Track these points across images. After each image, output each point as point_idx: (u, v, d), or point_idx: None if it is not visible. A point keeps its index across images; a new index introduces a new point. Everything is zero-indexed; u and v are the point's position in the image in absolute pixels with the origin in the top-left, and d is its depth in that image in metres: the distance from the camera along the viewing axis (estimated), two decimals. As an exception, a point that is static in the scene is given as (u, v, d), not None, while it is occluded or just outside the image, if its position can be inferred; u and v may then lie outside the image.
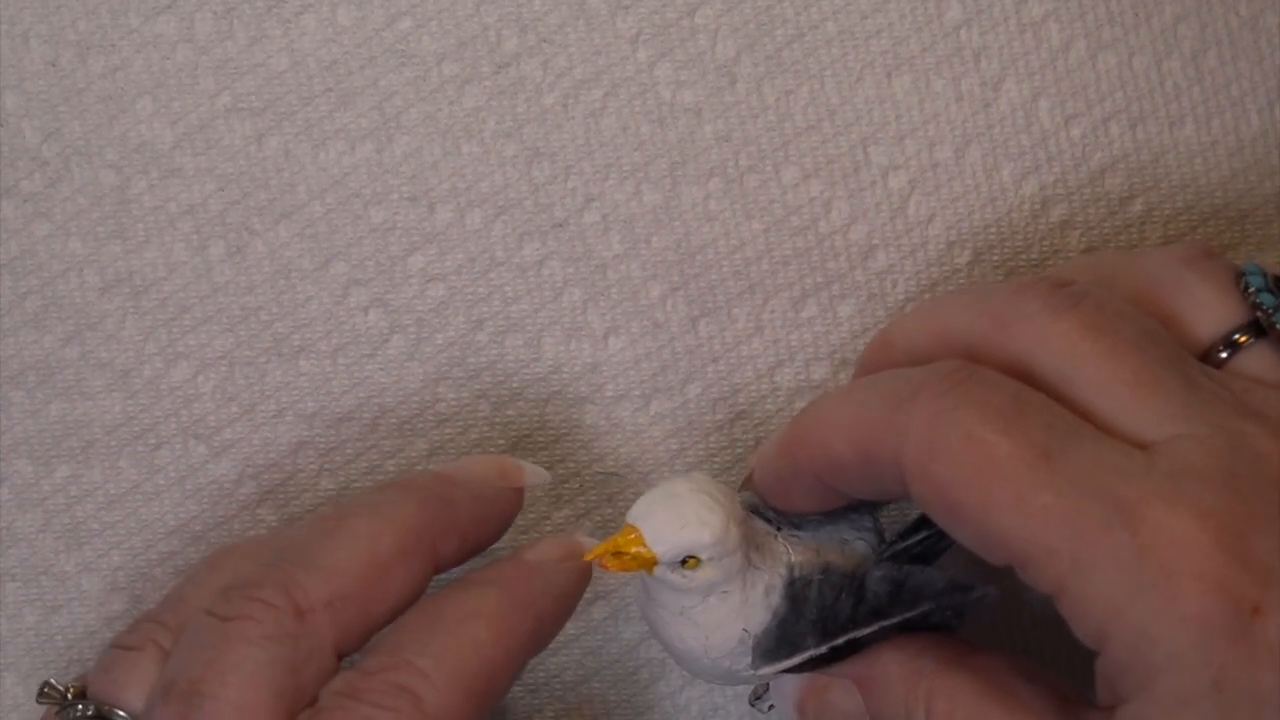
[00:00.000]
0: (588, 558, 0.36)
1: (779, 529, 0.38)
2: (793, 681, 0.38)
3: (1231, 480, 0.31)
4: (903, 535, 0.38)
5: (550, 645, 0.42)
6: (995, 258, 0.43)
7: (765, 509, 0.38)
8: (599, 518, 0.43)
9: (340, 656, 0.35)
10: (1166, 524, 0.31)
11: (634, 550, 0.36)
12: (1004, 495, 0.32)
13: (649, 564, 0.36)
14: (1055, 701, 0.34)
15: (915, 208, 0.43)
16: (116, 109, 0.42)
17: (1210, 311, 0.36)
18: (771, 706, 0.41)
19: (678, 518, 0.36)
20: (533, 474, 0.39)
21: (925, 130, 0.42)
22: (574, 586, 0.38)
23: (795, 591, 0.37)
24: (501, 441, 0.42)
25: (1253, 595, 0.30)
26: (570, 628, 0.43)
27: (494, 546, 0.39)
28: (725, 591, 0.37)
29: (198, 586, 0.37)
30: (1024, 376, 0.34)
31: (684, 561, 0.36)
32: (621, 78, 0.42)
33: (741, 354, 0.42)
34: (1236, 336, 0.35)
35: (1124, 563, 0.31)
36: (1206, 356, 0.35)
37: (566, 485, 0.43)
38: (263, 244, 0.42)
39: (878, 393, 0.34)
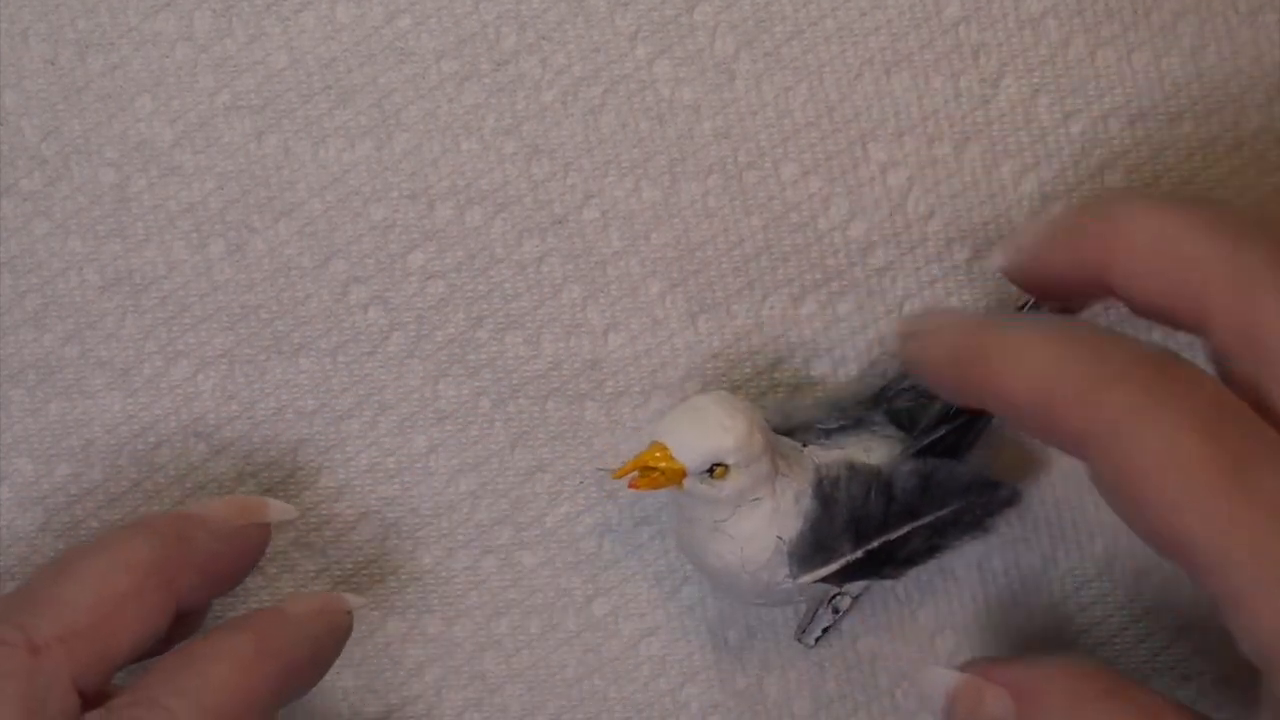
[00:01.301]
0: (616, 476, 0.37)
1: (804, 445, 0.39)
2: (943, 681, 0.37)
3: None
4: (926, 430, 0.38)
5: (550, 641, 0.42)
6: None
7: (786, 428, 0.39)
8: (599, 514, 0.43)
9: (81, 693, 0.35)
10: None
11: (663, 465, 0.36)
12: (1194, 498, 0.32)
13: (678, 476, 0.37)
14: None
15: (914, 204, 0.43)
16: (116, 107, 0.42)
17: None
18: (819, 638, 0.41)
19: (701, 425, 0.37)
20: (278, 510, 0.40)
21: (924, 127, 0.42)
22: (328, 638, 0.39)
23: (824, 491, 0.38)
24: (502, 438, 0.42)
25: None
26: (570, 624, 0.43)
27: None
28: (756, 499, 0.37)
29: None
30: (1248, 348, 0.34)
31: (711, 471, 0.37)
32: (620, 74, 0.42)
33: (740, 350, 0.42)
34: None
35: None
36: None
37: (566, 482, 0.43)
38: (262, 242, 0.42)
39: (1076, 358, 0.34)
